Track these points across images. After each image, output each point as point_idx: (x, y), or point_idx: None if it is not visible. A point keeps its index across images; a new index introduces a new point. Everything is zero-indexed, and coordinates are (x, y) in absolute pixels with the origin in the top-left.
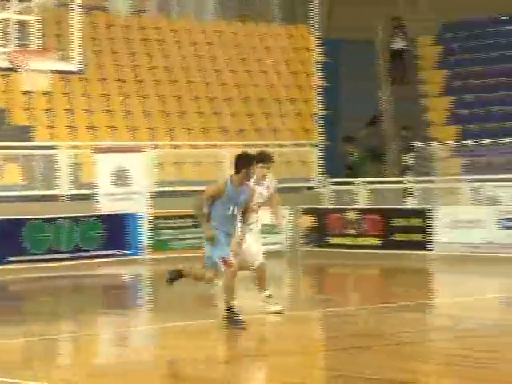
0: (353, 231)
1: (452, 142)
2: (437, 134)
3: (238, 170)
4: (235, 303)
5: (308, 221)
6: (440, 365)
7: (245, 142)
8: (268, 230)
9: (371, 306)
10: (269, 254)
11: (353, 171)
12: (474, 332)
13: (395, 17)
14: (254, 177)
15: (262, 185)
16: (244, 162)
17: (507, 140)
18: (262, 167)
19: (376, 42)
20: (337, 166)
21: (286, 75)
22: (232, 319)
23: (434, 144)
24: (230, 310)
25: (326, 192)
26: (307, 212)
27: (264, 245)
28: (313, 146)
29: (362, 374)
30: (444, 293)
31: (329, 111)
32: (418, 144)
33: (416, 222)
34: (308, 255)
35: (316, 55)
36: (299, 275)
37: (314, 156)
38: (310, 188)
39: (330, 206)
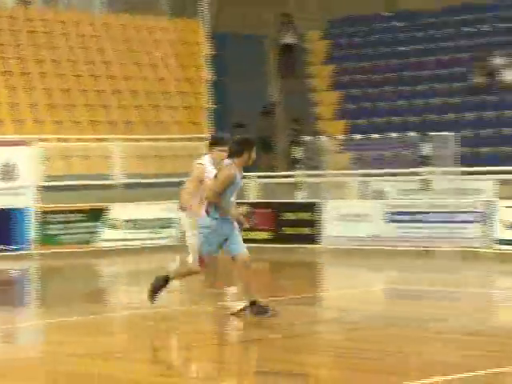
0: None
1: (340, 137)
2: (325, 128)
3: (240, 153)
4: (167, 286)
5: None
6: (327, 357)
7: (133, 136)
8: (159, 224)
9: (261, 299)
10: (160, 248)
11: None
12: (360, 324)
13: (285, 12)
14: (211, 161)
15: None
16: (247, 145)
17: (394, 135)
18: (220, 150)
19: (266, 37)
20: None
21: (175, 68)
22: (152, 296)
23: (323, 138)
24: (155, 289)
25: None
26: None
27: (155, 239)
28: (202, 139)
29: (252, 367)
30: (332, 286)
31: (218, 105)
32: (306, 138)
33: (305, 215)
34: None
35: (205, 49)
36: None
37: (204, 150)
38: None
39: None
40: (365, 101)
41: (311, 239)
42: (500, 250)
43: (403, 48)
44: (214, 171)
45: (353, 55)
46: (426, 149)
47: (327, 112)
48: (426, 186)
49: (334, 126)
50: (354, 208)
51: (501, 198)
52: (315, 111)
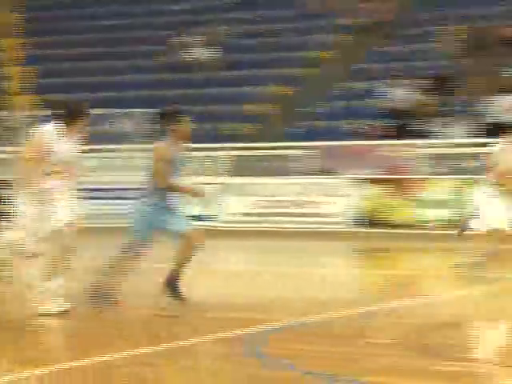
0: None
1: (29, 112)
2: (16, 103)
3: (169, 127)
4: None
5: None
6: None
7: None
8: None
9: None
10: None
11: None
12: None
13: None
14: (61, 132)
15: (72, 140)
16: (167, 118)
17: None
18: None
19: None
20: None
21: None
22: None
23: (7, 113)
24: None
25: None
26: None
27: None
28: None
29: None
30: None
31: None
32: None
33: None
34: None
35: None
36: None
37: None
38: None
39: None
40: (56, 76)
41: None
42: None
43: (108, 22)
44: (63, 143)
45: (46, 28)
46: None
47: (17, 86)
48: None
49: (25, 100)
50: None
51: None
52: (4, 85)
